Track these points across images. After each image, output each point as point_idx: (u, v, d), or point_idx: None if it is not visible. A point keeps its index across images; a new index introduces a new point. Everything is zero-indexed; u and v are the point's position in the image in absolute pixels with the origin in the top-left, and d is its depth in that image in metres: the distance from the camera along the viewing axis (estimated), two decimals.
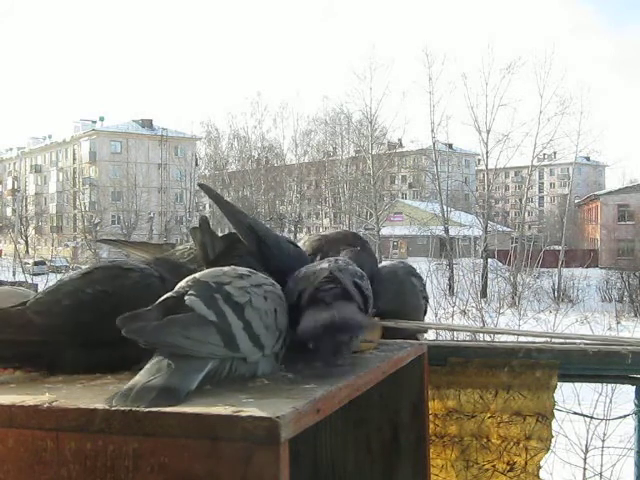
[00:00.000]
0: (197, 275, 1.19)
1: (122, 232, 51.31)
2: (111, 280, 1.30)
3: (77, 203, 61.02)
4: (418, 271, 1.95)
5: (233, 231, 1.49)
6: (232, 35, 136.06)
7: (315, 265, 1.38)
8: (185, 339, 1.05)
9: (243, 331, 1.11)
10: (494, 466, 1.94)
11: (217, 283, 1.16)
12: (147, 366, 1.04)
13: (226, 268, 1.23)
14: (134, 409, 0.92)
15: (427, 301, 1.94)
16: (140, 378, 1.01)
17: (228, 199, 1.86)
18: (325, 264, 1.36)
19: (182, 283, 1.17)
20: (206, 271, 1.23)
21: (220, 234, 1.50)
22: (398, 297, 1.72)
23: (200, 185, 1.79)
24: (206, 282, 1.15)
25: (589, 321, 13.84)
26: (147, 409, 0.92)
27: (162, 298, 1.13)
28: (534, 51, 63.99)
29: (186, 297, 1.11)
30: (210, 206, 51.66)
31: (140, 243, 1.75)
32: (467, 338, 5.67)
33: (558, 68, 59.82)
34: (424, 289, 1.91)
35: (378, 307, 1.51)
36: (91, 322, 1.23)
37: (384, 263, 1.87)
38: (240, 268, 1.24)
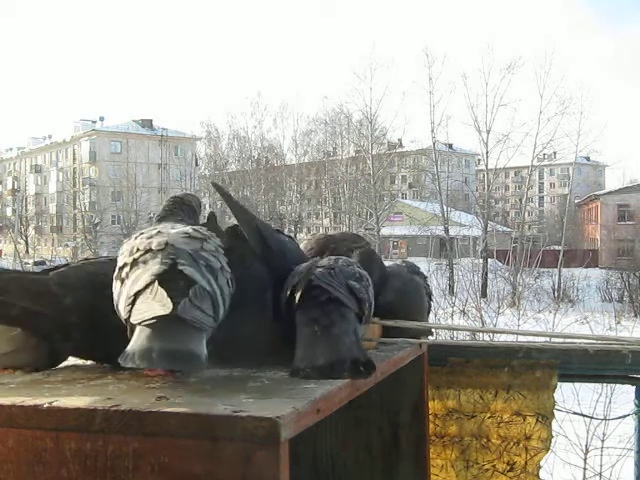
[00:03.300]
0: (169, 240, 1.12)
1: (122, 232, 51.29)
2: None
3: (77, 203, 60.97)
4: None
5: (235, 224, 1.49)
6: (232, 35, 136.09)
7: (312, 261, 1.37)
8: (200, 312, 1.02)
9: (220, 298, 1.08)
10: (494, 466, 1.94)
11: (194, 250, 1.11)
12: (148, 332, 1.00)
13: (187, 229, 1.17)
14: (134, 409, 0.92)
15: (431, 298, 1.93)
16: (151, 343, 0.98)
17: None
18: (324, 261, 1.35)
19: (157, 246, 1.10)
20: (172, 235, 1.14)
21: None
22: (402, 296, 1.72)
23: (213, 184, 1.81)
24: (185, 250, 1.10)
25: (589, 321, 13.81)
26: (147, 409, 0.91)
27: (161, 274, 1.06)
28: (534, 51, 63.98)
29: (180, 267, 1.07)
30: (210, 206, 51.63)
31: None
32: (467, 338, 5.67)
33: (558, 68, 59.68)
34: (428, 287, 1.90)
35: (382, 306, 1.51)
36: (105, 306, 1.23)
37: (387, 263, 1.87)
38: (191, 228, 1.18)
